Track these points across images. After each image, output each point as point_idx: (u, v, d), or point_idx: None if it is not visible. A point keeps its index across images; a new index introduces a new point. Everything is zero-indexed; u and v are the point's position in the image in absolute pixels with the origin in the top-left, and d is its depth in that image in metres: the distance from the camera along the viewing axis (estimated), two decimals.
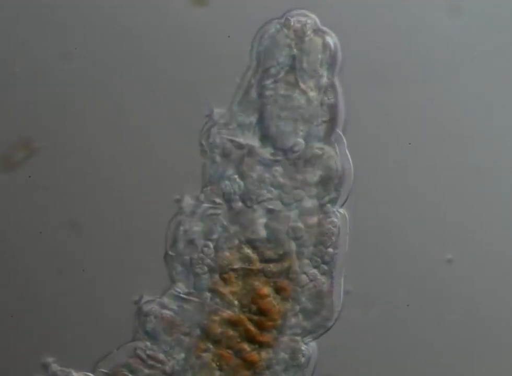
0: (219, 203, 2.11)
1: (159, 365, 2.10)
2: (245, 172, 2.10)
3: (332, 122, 2.10)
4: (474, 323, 2.17)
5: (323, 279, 2.11)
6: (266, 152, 2.10)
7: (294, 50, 2.09)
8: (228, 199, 2.10)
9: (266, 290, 2.09)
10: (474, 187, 2.19)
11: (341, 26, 2.13)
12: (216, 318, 2.09)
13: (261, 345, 2.09)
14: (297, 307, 2.10)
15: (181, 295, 2.11)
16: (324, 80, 2.10)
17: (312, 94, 2.09)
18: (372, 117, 2.17)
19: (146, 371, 2.11)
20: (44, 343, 2.15)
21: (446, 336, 2.18)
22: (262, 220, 2.09)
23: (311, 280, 2.10)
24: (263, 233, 2.09)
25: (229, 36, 2.16)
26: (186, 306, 2.10)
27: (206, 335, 2.09)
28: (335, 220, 2.10)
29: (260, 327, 2.09)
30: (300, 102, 2.09)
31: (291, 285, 2.09)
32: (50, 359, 2.12)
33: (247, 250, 2.09)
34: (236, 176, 2.10)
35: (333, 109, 2.10)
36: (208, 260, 2.10)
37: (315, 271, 2.10)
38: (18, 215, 2.18)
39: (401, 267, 2.17)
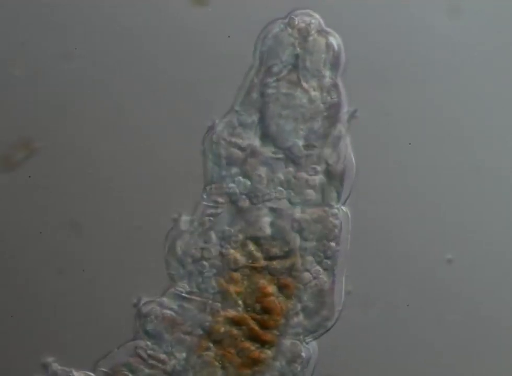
0: (221, 203, 2.11)
1: (160, 364, 2.10)
2: (248, 172, 2.10)
3: (334, 121, 2.11)
4: (474, 323, 2.17)
5: (325, 277, 2.10)
6: (268, 151, 2.10)
7: (298, 49, 2.10)
8: (234, 199, 2.10)
9: (271, 288, 2.09)
10: (474, 187, 2.19)
11: (341, 26, 2.14)
12: (219, 318, 2.09)
13: (264, 344, 2.09)
14: (299, 306, 2.10)
15: (183, 294, 2.11)
16: (327, 80, 2.10)
17: (314, 93, 2.09)
18: (372, 117, 2.17)
19: (147, 370, 2.10)
20: (44, 343, 2.14)
21: (446, 336, 2.18)
22: (267, 218, 2.09)
23: (314, 278, 2.10)
24: (268, 230, 2.09)
25: (228, 36, 2.16)
26: (187, 305, 2.10)
27: (209, 334, 2.09)
28: (337, 211, 2.10)
29: (264, 325, 2.09)
30: (301, 101, 2.09)
31: (294, 283, 2.09)
32: (50, 359, 2.12)
33: (252, 248, 2.09)
34: (240, 177, 2.10)
35: (336, 108, 2.10)
36: (213, 260, 2.10)
37: (318, 268, 2.10)
38: (18, 215, 2.18)
39: (401, 267, 2.17)
